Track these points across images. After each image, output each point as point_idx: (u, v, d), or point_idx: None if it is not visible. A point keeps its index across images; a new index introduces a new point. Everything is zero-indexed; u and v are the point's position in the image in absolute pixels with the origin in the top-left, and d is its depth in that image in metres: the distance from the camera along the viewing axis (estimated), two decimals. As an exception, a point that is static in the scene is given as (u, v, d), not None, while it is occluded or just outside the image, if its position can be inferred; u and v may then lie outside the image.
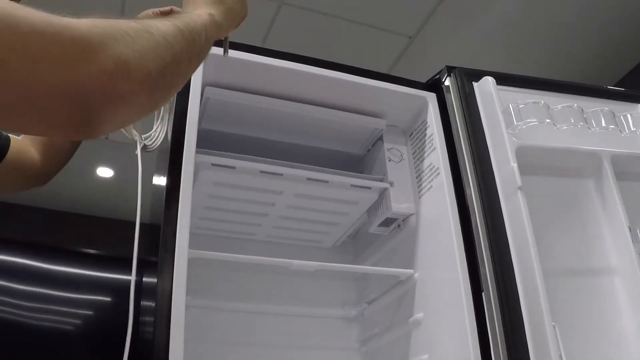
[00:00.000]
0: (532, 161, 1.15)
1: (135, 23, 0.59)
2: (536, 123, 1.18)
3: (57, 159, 1.07)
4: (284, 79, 1.19)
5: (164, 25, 0.63)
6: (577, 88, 1.35)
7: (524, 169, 1.09)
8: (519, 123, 1.17)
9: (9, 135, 1.00)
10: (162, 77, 0.60)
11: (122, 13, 2.36)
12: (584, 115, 1.24)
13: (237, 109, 1.21)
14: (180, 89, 0.70)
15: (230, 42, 1.15)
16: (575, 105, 1.24)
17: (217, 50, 1.12)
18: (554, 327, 0.94)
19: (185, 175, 0.98)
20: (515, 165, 1.08)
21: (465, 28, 2.73)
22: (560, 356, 0.92)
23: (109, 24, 0.55)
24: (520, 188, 1.06)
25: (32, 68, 0.48)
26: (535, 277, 0.99)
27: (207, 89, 1.16)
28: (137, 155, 1.03)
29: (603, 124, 1.25)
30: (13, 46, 0.47)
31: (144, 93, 0.56)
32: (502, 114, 1.15)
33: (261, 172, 1.18)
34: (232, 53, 1.14)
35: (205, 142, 1.12)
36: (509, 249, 1.04)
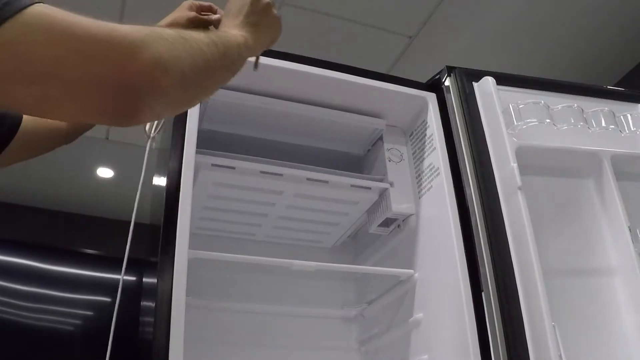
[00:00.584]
0: (532, 161, 1.15)
1: (172, 31, 0.67)
2: (536, 123, 1.18)
3: (84, 126, 1.13)
4: (284, 79, 1.19)
5: (199, 35, 0.72)
6: (577, 88, 1.35)
7: (524, 169, 1.09)
8: (519, 123, 1.17)
9: None
10: (195, 78, 0.68)
11: (122, 13, 2.36)
12: (584, 115, 1.24)
13: (237, 109, 1.21)
14: (212, 94, 0.78)
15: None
16: (575, 105, 1.24)
17: (217, 51, 1.13)
18: (554, 327, 0.94)
19: (186, 175, 0.98)
20: (515, 165, 1.08)
21: (465, 28, 2.73)
22: (560, 356, 0.92)
23: (150, 29, 0.64)
24: (520, 188, 1.06)
25: (87, 65, 0.57)
26: (535, 277, 0.99)
27: (207, 89, 1.16)
28: (145, 148, 1.08)
29: (603, 124, 1.25)
30: (71, 47, 0.57)
31: (179, 89, 0.64)
32: (502, 114, 1.15)
33: (261, 172, 1.18)
34: (232, 53, 1.14)
35: (205, 142, 1.12)
36: (509, 249, 1.04)
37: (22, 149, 1.03)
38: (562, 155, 1.20)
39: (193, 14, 1.09)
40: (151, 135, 1.12)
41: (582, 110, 1.24)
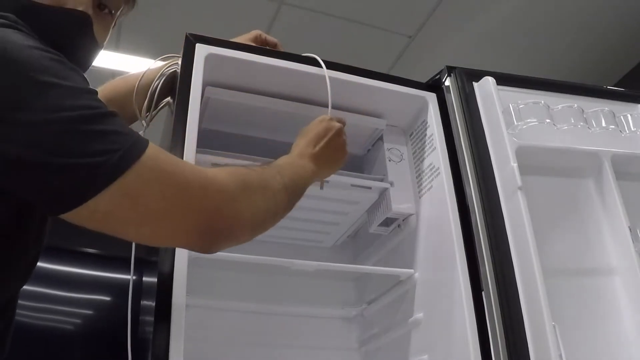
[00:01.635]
0: (532, 161, 1.15)
1: (256, 178, 0.80)
2: (536, 123, 1.18)
3: None
4: (284, 79, 1.19)
5: (275, 181, 0.84)
6: (577, 88, 1.35)
7: (524, 169, 1.09)
8: (519, 123, 1.17)
9: None
10: (263, 224, 0.82)
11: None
12: (584, 116, 1.24)
13: (237, 109, 1.21)
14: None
15: (230, 42, 1.16)
16: (576, 105, 1.24)
17: (219, 51, 1.13)
18: (554, 327, 0.94)
19: (186, 175, 0.98)
20: (515, 165, 1.08)
21: (465, 28, 2.73)
22: (560, 356, 0.92)
23: (241, 179, 0.77)
24: (520, 188, 1.06)
25: (187, 213, 0.70)
26: (535, 277, 0.99)
27: (208, 89, 1.16)
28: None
29: (603, 124, 1.25)
30: (177, 199, 0.69)
31: (249, 235, 0.79)
32: (502, 114, 1.15)
33: (261, 172, 1.17)
34: (233, 53, 1.15)
35: (205, 142, 1.12)
36: (509, 248, 1.04)
37: None
38: (562, 155, 1.20)
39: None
40: (146, 120, 1.15)
41: (582, 110, 1.24)
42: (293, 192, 0.88)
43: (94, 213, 0.64)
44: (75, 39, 0.81)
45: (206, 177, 0.73)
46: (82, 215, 0.64)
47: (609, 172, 1.18)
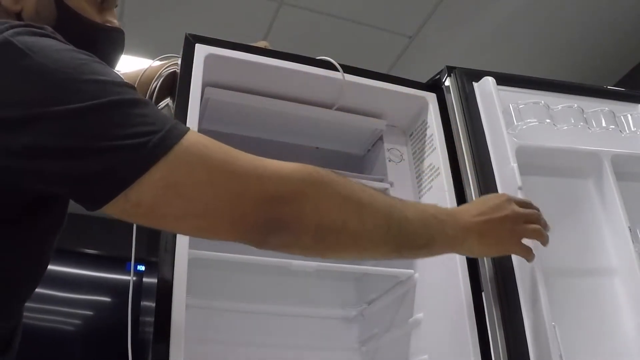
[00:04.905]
0: (532, 161, 1.15)
1: (351, 186, 0.72)
2: (536, 123, 1.18)
3: None
4: (284, 79, 1.19)
5: (383, 209, 0.74)
6: (577, 88, 1.35)
7: (524, 169, 1.09)
8: (519, 123, 1.17)
9: None
10: (336, 239, 0.70)
11: (122, 13, 2.36)
12: (584, 116, 1.24)
13: (237, 109, 1.21)
14: (366, 258, 0.84)
15: (230, 42, 1.16)
16: (576, 105, 1.24)
17: (218, 51, 1.13)
18: (554, 327, 0.94)
19: (186, 175, 0.98)
20: (515, 165, 1.08)
21: (465, 28, 2.73)
22: (560, 356, 0.92)
23: (320, 177, 0.70)
24: (520, 188, 1.06)
25: (240, 203, 0.64)
26: (535, 277, 0.99)
27: (207, 89, 1.16)
28: None
29: (603, 124, 1.25)
30: (229, 187, 0.64)
31: (311, 241, 0.69)
32: (502, 114, 1.15)
33: (261, 172, 1.17)
34: (232, 53, 1.15)
35: (206, 142, 1.12)
36: None
37: None
38: (562, 155, 1.19)
39: None
40: None
41: (582, 110, 1.24)
42: (405, 235, 0.76)
43: (138, 206, 0.62)
44: (119, 52, 0.88)
45: (264, 166, 0.67)
46: (126, 208, 0.62)
47: (609, 172, 1.18)
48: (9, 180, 0.63)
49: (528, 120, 1.18)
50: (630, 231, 1.12)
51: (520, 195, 1.05)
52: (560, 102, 1.24)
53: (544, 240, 0.93)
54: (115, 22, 0.86)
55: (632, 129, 1.28)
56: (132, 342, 1.02)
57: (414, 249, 0.79)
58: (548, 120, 1.20)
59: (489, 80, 1.20)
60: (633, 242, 1.11)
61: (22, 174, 0.62)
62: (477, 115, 1.18)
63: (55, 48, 0.65)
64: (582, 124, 1.23)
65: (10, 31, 0.65)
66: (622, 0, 2.59)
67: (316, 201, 0.68)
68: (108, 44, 0.85)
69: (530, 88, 1.27)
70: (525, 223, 0.90)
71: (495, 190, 1.10)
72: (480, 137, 1.17)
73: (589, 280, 1.12)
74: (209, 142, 0.66)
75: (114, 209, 0.62)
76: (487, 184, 1.12)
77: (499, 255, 0.95)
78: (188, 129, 0.65)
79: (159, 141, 0.61)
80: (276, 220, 0.65)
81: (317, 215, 0.68)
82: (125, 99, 0.63)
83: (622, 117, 1.29)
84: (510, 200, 0.91)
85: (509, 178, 1.08)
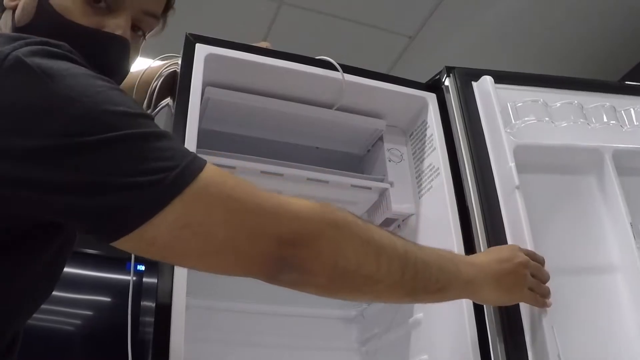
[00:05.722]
0: (532, 159, 1.14)
1: (368, 228, 0.70)
2: (535, 121, 1.17)
3: None
4: (284, 79, 1.19)
5: (400, 252, 0.73)
6: (577, 83, 1.33)
7: (524, 168, 1.09)
8: (517, 122, 1.17)
9: None
10: (351, 281, 0.69)
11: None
12: (584, 112, 1.23)
13: (237, 109, 1.21)
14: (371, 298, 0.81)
15: (230, 42, 1.16)
16: (576, 101, 1.23)
17: (219, 51, 1.13)
18: (552, 328, 0.94)
19: (186, 175, 0.98)
20: (512, 165, 1.08)
21: (465, 28, 2.73)
22: (559, 356, 0.92)
23: (339, 218, 0.68)
24: (517, 187, 1.06)
25: (256, 243, 0.63)
26: None
27: (207, 89, 1.16)
28: None
29: (604, 119, 1.24)
30: (246, 226, 0.62)
31: (326, 281, 0.68)
32: (501, 113, 1.15)
33: (262, 172, 1.18)
34: (233, 53, 1.15)
35: (205, 142, 1.12)
36: None
37: None
38: (562, 152, 1.19)
39: None
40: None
41: (582, 106, 1.23)
42: (421, 280, 0.75)
43: (152, 245, 0.60)
44: (112, 63, 0.80)
45: (282, 204, 0.66)
46: (141, 246, 0.61)
47: (610, 168, 1.17)
48: (9, 210, 0.61)
49: (527, 119, 1.17)
50: (632, 227, 1.11)
51: (517, 195, 1.05)
52: (560, 99, 1.24)
53: (548, 299, 0.97)
54: (116, 27, 0.78)
55: (635, 124, 1.26)
56: (132, 342, 1.02)
57: (429, 293, 0.79)
58: (547, 118, 1.19)
59: (487, 80, 1.19)
60: (635, 238, 1.11)
61: (27, 204, 0.60)
62: (476, 114, 1.18)
63: (72, 73, 0.62)
64: (582, 120, 1.22)
65: (25, 49, 0.61)
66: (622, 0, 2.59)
67: (334, 243, 0.67)
68: (99, 51, 0.77)
69: (529, 85, 1.26)
70: (532, 276, 0.93)
71: (495, 190, 1.10)
72: (479, 136, 1.17)
73: (591, 278, 1.12)
74: (227, 179, 0.64)
75: (126, 246, 0.60)
76: (485, 183, 1.12)
77: (512, 303, 0.96)
78: (205, 162, 0.63)
79: (175, 178, 0.59)
80: (293, 260, 0.65)
81: (334, 257, 0.67)
82: (142, 133, 0.61)
83: (623, 111, 1.28)
84: (521, 249, 0.94)
85: (507, 178, 1.08)
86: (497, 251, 0.94)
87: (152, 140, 0.61)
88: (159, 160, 0.60)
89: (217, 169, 0.64)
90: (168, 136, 0.64)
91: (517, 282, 0.90)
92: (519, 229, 1.04)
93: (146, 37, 0.88)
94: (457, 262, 0.83)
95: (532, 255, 0.95)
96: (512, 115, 1.17)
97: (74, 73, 0.62)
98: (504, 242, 1.05)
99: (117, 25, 0.78)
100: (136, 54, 0.87)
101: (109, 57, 0.79)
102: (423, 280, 0.76)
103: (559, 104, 1.22)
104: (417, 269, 0.74)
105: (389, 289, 0.74)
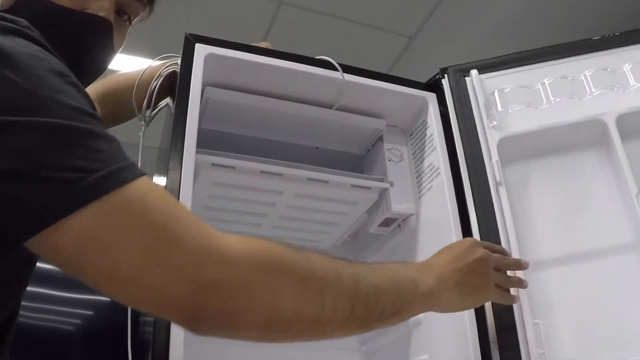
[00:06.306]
0: (525, 147, 1.12)
1: (308, 262, 0.61)
2: (524, 106, 1.14)
3: (117, 119, 1.18)
4: (284, 79, 1.19)
5: (345, 283, 0.63)
6: (565, 49, 1.23)
7: (519, 156, 1.09)
8: (503, 110, 1.15)
9: None
10: (288, 330, 0.64)
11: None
12: (578, 81, 1.14)
13: (237, 109, 1.21)
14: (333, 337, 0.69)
15: (230, 42, 1.16)
16: (569, 74, 1.16)
17: (218, 51, 1.13)
18: (537, 324, 0.94)
19: (185, 175, 0.98)
20: (494, 160, 1.08)
21: (465, 28, 2.73)
22: (543, 354, 0.92)
23: (274, 258, 0.57)
24: (500, 184, 1.06)
25: (167, 278, 0.52)
26: (518, 273, 0.98)
27: (207, 89, 1.16)
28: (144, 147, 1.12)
29: (601, 83, 1.13)
30: (161, 258, 0.52)
31: (259, 334, 0.62)
32: (485, 105, 1.14)
33: (261, 172, 1.18)
34: (232, 53, 1.15)
35: (205, 142, 1.12)
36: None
37: None
38: (555, 132, 1.12)
39: None
40: (145, 120, 1.15)
41: (575, 75, 1.15)
42: (374, 309, 0.67)
43: (56, 252, 0.52)
44: (94, 44, 0.79)
45: (210, 241, 0.55)
46: (46, 250, 0.52)
47: (615, 137, 1.05)
48: None
49: (514, 105, 1.14)
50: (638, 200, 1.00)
51: (501, 192, 1.05)
52: (551, 72, 1.18)
53: (524, 285, 0.91)
54: (100, 9, 0.76)
55: (634, 82, 1.13)
56: (132, 342, 1.02)
57: (385, 319, 0.70)
58: (536, 99, 1.14)
59: (473, 74, 1.19)
60: None
61: None
62: (470, 111, 1.19)
63: (25, 52, 0.56)
64: (576, 91, 1.13)
65: None
66: (626, 4, 2.59)
67: (268, 292, 0.57)
68: (82, 32, 0.75)
69: (517, 66, 1.22)
70: (496, 269, 0.87)
71: (488, 187, 1.10)
72: (472, 133, 1.17)
73: (601, 261, 1.04)
74: (158, 200, 0.54)
75: (35, 248, 0.53)
76: (480, 181, 1.12)
77: (479, 305, 0.90)
78: (140, 174, 0.55)
79: (94, 182, 0.51)
80: (215, 312, 0.55)
81: (268, 309, 0.58)
82: (76, 126, 0.53)
83: (623, 68, 1.14)
84: (478, 243, 0.88)
85: (493, 174, 1.09)
86: (449, 250, 0.86)
87: (88, 138, 0.53)
88: (83, 159, 0.52)
89: (153, 185, 0.56)
90: (108, 138, 0.56)
91: (480, 281, 0.83)
92: (509, 226, 1.04)
93: (132, 23, 0.87)
94: (412, 276, 0.76)
95: (490, 247, 0.88)
96: (500, 104, 1.15)
97: (27, 52, 0.57)
98: (497, 239, 1.04)
99: (100, 7, 0.77)
100: (122, 38, 0.86)
101: (91, 38, 0.78)
102: (377, 308, 0.68)
103: (548, 80, 1.16)
104: (369, 299, 0.66)
105: (339, 327, 0.67)
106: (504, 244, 1.03)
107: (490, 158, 1.11)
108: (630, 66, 1.14)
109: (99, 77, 1.01)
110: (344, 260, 0.67)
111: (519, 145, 1.12)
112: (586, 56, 1.18)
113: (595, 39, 1.22)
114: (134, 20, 0.87)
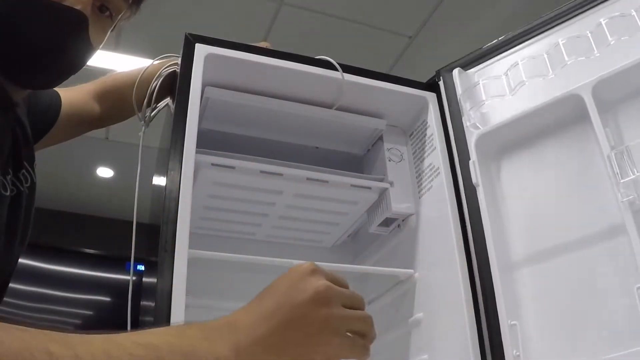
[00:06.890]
0: (507, 138, 1.11)
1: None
2: (499, 96, 1.12)
3: (117, 117, 1.22)
4: (284, 79, 1.19)
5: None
6: (543, 24, 1.18)
7: (506, 148, 1.09)
8: (479, 106, 1.15)
9: (59, 91, 1.12)
10: None
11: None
12: (557, 52, 1.06)
13: (237, 109, 1.21)
14: None
15: (230, 42, 1.16)
16: (543, 50, 1.11)
17: (218, 51, 1.13)
18: (513, 325, 0.95)
19: (185, 175, 0.98)
20: (472, 160, 1.09)
21: (465, 28, 2.73)
22: (518, 356, 0.93)
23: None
24: (477, 185, 1.06)
25: None
26: (494, 274, 1.00)
27: (207, 89, 1.16)
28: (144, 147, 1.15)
29: (578, 51, 1.03)
30: None
31: None
32: (469, 103, 1.15)
33: (261, 172, 1.18)
34: (232, 53, 1.15)
35: (205, 142, 1.12)
36: (485, 246, 1.05)
37: (63, 132, 1.13)
38: (530, 118, 1.06)
39: None
40: (145, 119, 1.16)
41: (549, 50, 1.08)
42: None
43: None
44: (67, 38, 0.77)
45: None
46: None
47: (592, 109, 0.94)
48: None
49: (491, 97, 1.13)
50: (618, 177, 0.88)
51: (480, 193, 1.06)
52: (529, 53, 1.14)
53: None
54: (76, 2, 0.74)
55: (609, 40, 0.99)
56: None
57: None
58: (512, 86, 1.10)
59: (454, 73, 1.20)
60: (621, 193, 0.88)
61: None
62: (458, 111, 1.20)
63: None
64: (551, 67, 1.06)
65: None
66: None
67: None
68: (55, 24, 0.73)
69: (499, 54, 1.20)
70: (345, 305, 0.61)
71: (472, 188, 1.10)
72: (461, 133, 1.18)
73: (568, 257, 0.98)
74: None
75: None
76: (470, 182, 1.12)
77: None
78: None
79: None
80: None
81: None
82: None
83: (590, 32, 1.03)
84: (315, 272, 0.62)
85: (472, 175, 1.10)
86: (272, 292, 0.62)
87: None
88: None
89: None
90: None
91: (321, 329, 0.58)
92: (486, 225, 1.06)
93: (116, 20, 0.85)
94: (188, 349, 0.54)
95: (331, 277, 0.64)
96: (477, 100, 1.16)
97: None
98: (483, 240, 1.05)
99: (77, 0, 0.76)
100: (102, 34, 0.84)
101: (64, 31, 0.76)
102: None
103: (521, 63, 1.10)
104: None
105: None
106: (494, 242, 1.04)
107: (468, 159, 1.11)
108: (605, 21, 1.01)
109: (98, 77, 1.01)
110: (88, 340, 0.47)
111: (495, 141, 1.11)
112: (569, 22, 1.09)
113: (569, 5, 1.12)
114: (117, 17, 0.85)
